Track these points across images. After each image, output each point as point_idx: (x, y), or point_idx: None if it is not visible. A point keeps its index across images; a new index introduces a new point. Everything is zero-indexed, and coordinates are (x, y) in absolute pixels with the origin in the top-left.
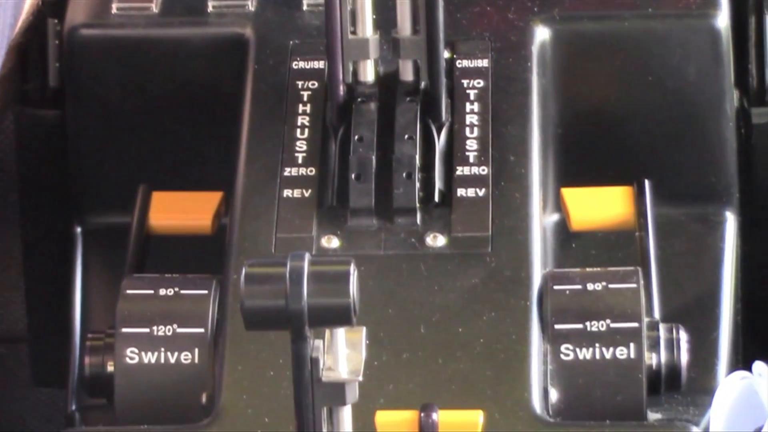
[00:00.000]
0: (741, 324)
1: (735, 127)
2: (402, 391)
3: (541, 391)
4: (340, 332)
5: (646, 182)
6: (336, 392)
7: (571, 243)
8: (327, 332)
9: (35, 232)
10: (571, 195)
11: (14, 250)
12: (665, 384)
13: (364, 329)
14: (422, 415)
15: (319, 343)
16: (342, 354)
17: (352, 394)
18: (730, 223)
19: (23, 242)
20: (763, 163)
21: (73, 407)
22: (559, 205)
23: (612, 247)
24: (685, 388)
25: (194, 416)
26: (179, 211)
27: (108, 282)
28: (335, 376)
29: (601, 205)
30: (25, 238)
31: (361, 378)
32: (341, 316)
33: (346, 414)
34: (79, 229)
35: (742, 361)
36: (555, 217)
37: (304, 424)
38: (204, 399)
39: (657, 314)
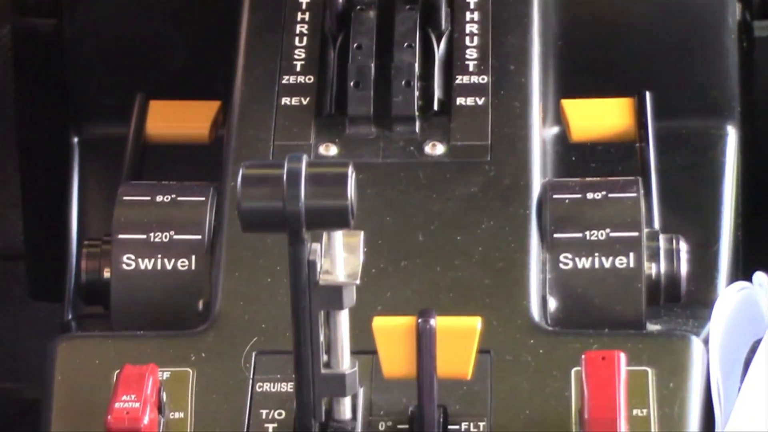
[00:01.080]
0: (741, 239)
1: (737, 40)
2: (400, 298)
3: (539, 300)
4: (338, 235)
5: (647, 94)
6: (333, 296)
7: (570, 156)
8: (324, 236)
9: (32, 142)
10: (572, 106)
11: (11, 167)
12: (665, 294)
13: (361, 233)
14: (420, 320)
15: (316, 246)
16: (339, 257)
17: (350, 298)
18: (731, 137)
19: (20, 154)
20: (765, 77)
21: (70, 317)
22: (560, 118)
23: (612, 159)
24: (685, 300)
25: (191, 323)
26: (177, 119)
27: (105, 192)
28: (332, 279)
29: (601, 116)
30: (22, 149)
31: (358, 282)
32: (339, 219)
33: (343, 318)
34: (76, 139)
35: (743, 275)
36: (555, 129)
37: (301, 329)
38: (201, 306)
39: (657, 225)
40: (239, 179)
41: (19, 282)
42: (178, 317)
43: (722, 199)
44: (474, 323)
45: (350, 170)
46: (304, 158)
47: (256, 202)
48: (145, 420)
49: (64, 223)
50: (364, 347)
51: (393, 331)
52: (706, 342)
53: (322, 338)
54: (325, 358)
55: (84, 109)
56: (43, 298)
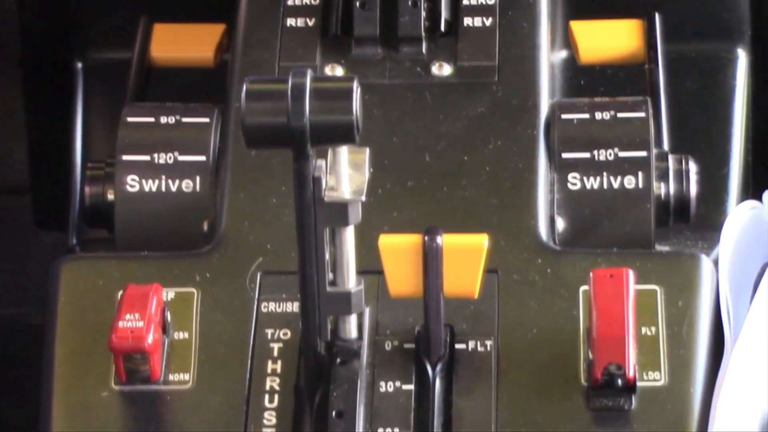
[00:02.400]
0: (752, 163)
1: None
2: (406, 217)
3: (547, 220)
4: (343, 151)
5: (657, 16)
6: (339, 212)
7: (579, 79)
8: (330, 152)
9: (36, 70)
10: (580, 27)
11: (15, 99)
12: (674, 215)
13: (367, 150)
14: (426, 238)
15: (321, 163)
16: (345, 174)
17: (355, 214)
18: (742, 60)
19: (24, 82)
20: None
21: (74, 242)
22: (568, 42)
23: (620, 83)
24: (694, 223)
25: (195, 244)
26: (181, 43)
27: (109, 118)
28: (338, 196)
29: (610, 38)
30: (26, 77)
31: (364, 198)
32: (344, 134)
33: (348, 235)
34: (80, 65)
35: (753, 198)
36: (563, 54)
37: (306, 246)
38: (205, 227)
39: (666, 146)
40: (243, 94)
41: (25, 215)
42: (183, 239)
43: (732, 122)
44: (481, 241)
45: (355, 85)
46: (309, 73)
47: (261, 117)
48: (149, 339)
49: (69, 149)
50: (371, 267)
51: (399, 249)
52: (715, 263)
53: (327, 256)
54: (330, 276)
55: (87, 35)
56: (48, 228)
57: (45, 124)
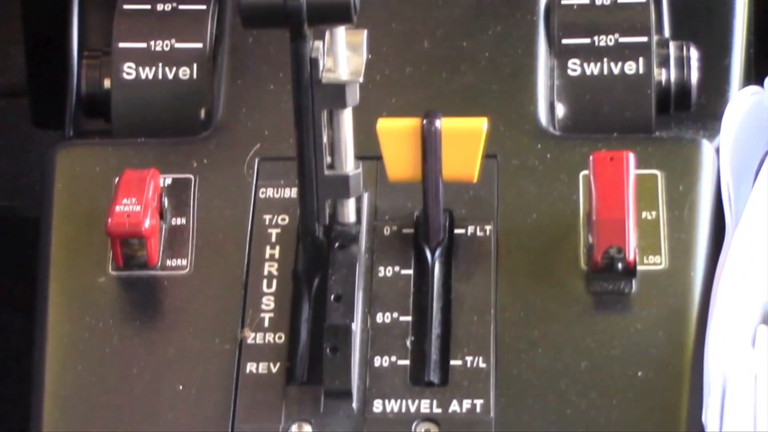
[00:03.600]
0: (754, 56)
1: None
2: (405, 103)
3: (547, 106)
4: (341, 32)
5: None
6: (336, 94)
7: None
8: (327, 33)
9: None
10: None
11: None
12: (675, 102)
13: (365, 31)
14: (425, 121)
15: (319, 44)
16: (342, 55)
17: (353, 96)
18: None
19: None
20: None
21: (71, 134)
22: None
23: None
24: (695, 112)
25: (193, 131)
26: None
27: (105, 7)
28: (335, 77)
29: None
30: None
31: (361, 79)
32: (341, 13)
33: (346, 118)
34: None
35: None
36: None
37: (304, 129)
38: (203, 114)
39: (667, 33)
40: None
41: (23, 117)
42: (180, 126)
43: (734, 12)
44: (480, 124)
45: None
46: None
47: None
48: (146, 224)
49: (65, 41)
50: (369, 153)
51: (398, 133)
52: (717, 150)
53: (325, 139)
54: (328, 159)
55: None
56: (45, 126)
57: (42, 23)
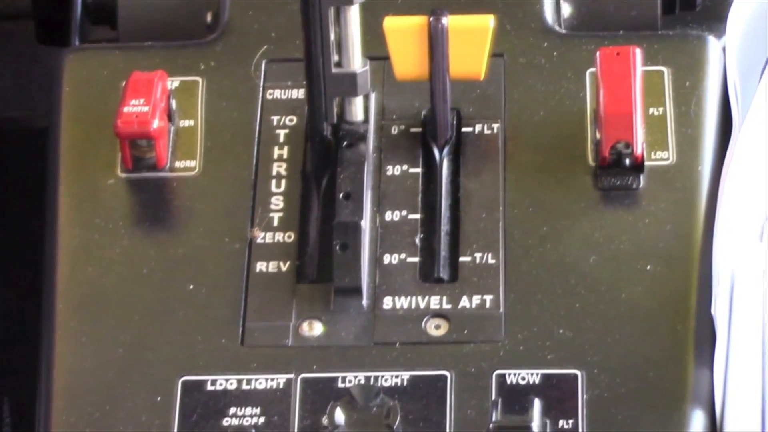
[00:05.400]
0: None
1: None
2: (411, 3)
3: (553, 4)
4: None
5: None
6: None
7: None
8: None
9: None
10: None
11: None
12: (680, 0)
13: None
14: (432, 18)
15: None
16: None
17: None
18: None
19: None
20: None
21: (77, 43)
22: None
23: None
24: (700, 13)
25: (199, 35)
26: None
27: None
28: None
29: None
30: None
31: None
32: None
33: (353, 14)
34: None
35: None
36: None
37: (311, 26)
38: (209, 17)
39: None
40: None
41: (28, 40)
42: (187, 30)
43: None
44: (486, 21)
45: None
46: None
47: None
48: (155, 124)
49: None
50: (376, 53)
51: (404, 31)
52: (723, 48)
53: (332, 37)
54: (335, 57)
55: None
56: (50, 42)
57: None
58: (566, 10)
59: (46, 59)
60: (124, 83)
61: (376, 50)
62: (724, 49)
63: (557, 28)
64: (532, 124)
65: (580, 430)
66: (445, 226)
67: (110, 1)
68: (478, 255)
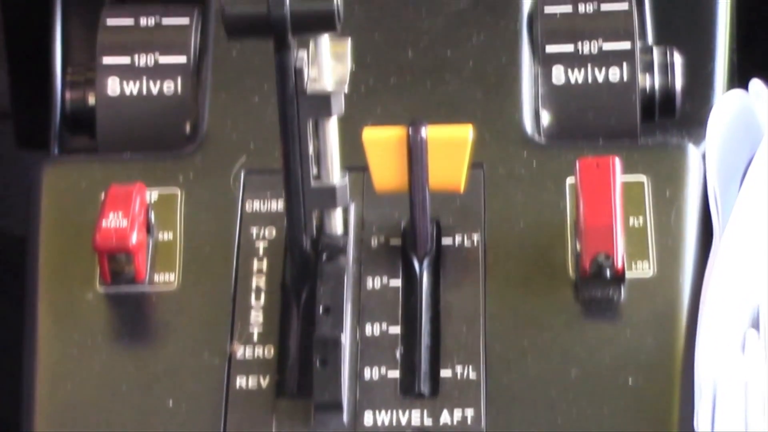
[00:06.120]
0: (737, 59)
1: None
2: (390, 113)
3: (532, 114)
4: (325, 41)
5: None
6: (321, 104)
7: None
8: (311, 43)
9: None
10: None
11: None
12: (660, 108)
13: (349, 40)
14: (411, 129)
15: (303, 54)
16: (327, 64)
17: (338, 105)
18: None
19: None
20: None
21: (56, 152)
22: None
23: None
24: (680, 118)
25: (178, 146)
26: None
27: (88, 22)
28: (320, 86)
29: None
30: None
31: (346, 89)
32: (325, 22)
33: (332, 127)
34: None
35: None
36: None
37: (289, 139)
38: (188, 128)
39: (650, 40)
40: None
41: (6, 140)
42: (166, 140)
43: (717, 17)
44: (465, 132)
45: None
46: None
47: (241, 6)
48: (133, 239)
49: (49, 56)
50: (355, 164)
51: (383, 143)
52: (703, 156)
53: (311, 150)
54: (314, 170)
55: None
56: (30, 146)
57: (25, 41)
58: (545, 118)
59: (26, 160)
60: (102, 195)
61: (355, 160)
62: (703, 155)
63: (536, 137)
64: (513, 236)
65: None
66: (425, 339)
67: (89, 112)
68: (459, 369)
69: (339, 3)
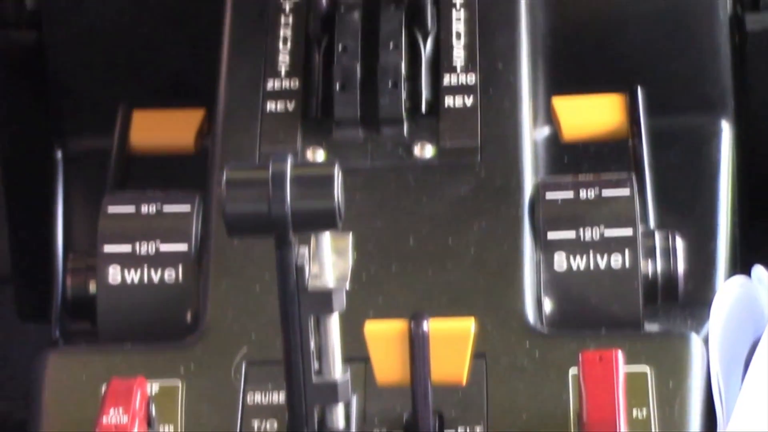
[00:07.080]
0: (739, 238)
1: (729, 34)
2: (391, 302)
3: (534, 302)
4: (326, 238)
5: (639, 89)
6: (323, 300)
7: (563, 157)
8: (312, 238)
9: (15, 159)
10: (562, 104)
11: None
12: (662, 293)
13: (350, 235)
14: (412, 323)
15: (304, 250)
16: (328, 261)
17: (340, 302)
18: (726, 133)
19: (3, 172)
20: (758, 72)
21: (57, 334)
22: (551, 118)
23: (604, 159)
24: (683, 300)
25: (180, 335)
26: (161, 130)
27: (90, 206)
28: (321, 284)
29: (592, 114)
30: (5, 167)
31: (348, 286)
32: (326, 220)
33: (333, 324)
34: (59, 154)
35: (741, 274)
36: (546, 130)
37: (290, 336)
38: (189, 317)
39: (652, 223)
40: (223, 182)
41: (6, 305)
42: (167, 329)
43: (718, 196)
44: (468, 325)
45: (336, 170)
46: (289, 159)
47: (241, 205)
48: None
49: (50, 239)
50: (357, 354)
51: (385, 336)
52: (705, 341)
53: (312, 345)
54: (316, 365)
55: (67, 123)
56: (31, 320)
57: (26, 214)
58: (548, 305)
59: (28, 327)
60: (103, 387)
61: (357, 351)
62: (706, 341)
63: (539, 326)
64: (516, 428)
65: None
66: None
67: (90, 299)
68: None
69: (340, 201)
